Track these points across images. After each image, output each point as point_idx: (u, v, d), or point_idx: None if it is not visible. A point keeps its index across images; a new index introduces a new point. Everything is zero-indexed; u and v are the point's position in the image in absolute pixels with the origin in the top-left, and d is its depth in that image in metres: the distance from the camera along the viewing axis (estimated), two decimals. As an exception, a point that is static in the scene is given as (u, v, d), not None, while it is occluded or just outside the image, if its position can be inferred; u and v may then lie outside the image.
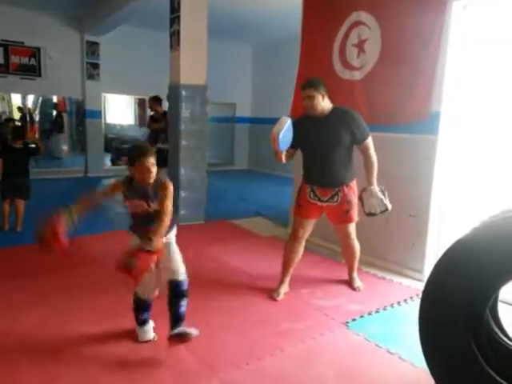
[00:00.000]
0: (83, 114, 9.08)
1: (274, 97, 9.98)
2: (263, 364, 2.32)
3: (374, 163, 3.04)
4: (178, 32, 4.95)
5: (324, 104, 3.01)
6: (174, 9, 5.02)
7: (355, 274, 3.45)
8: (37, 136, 10.27)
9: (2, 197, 4.70)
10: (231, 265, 3.84)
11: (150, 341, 2.48)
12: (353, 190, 3.13)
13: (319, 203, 3.10)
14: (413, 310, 2.95)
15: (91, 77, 8.72)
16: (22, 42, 8.05)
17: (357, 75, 4.11)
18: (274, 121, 9.55)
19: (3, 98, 13.20)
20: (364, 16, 3.99)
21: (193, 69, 5.00)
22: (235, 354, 2.40)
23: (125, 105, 13.13)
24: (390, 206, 3.03)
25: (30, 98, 11.84)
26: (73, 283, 3.27)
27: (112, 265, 2.08)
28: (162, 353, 2.37)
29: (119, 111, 13.06)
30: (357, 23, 4.08)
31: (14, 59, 8.01)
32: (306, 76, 4.67)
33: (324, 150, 3.04)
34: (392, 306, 3.10)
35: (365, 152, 3.05)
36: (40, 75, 8.30)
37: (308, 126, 3.08)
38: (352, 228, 3.25)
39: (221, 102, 10.41)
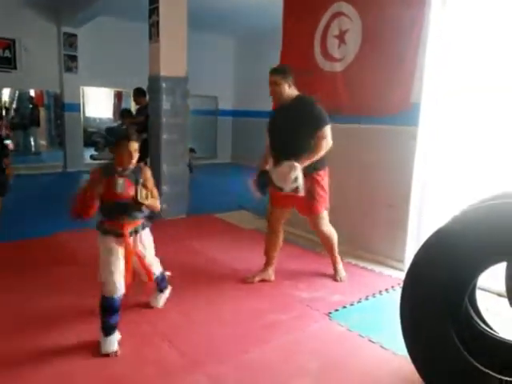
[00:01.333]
0: (61, 108, 8.86)
1: (256, 89, 9.82)
2: (249, 357, 2.32)
3: (318, 152, 2.92)
4: (157, 23, 4.85)
5: (289, 92, 2.99)
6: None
7: (339, 266, 3.42)
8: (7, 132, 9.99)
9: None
10: (214, 258, 3.82)
11: (112, 354, 2.26)
12: (316, 180, 3.04)
13: (282, 192, 2.91)
14: (394, 299, 3.01)
15: (69, 69, 8.49)
16: (-4, 33, 7.78)
17: (338, 67, 4.12)
18: (256, 114, 9.68)
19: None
20: (345, 7, 3.99)
21: (173, 60, 4.92)
22: (220, 348, 2.39)
23: (104, 98, 12.88)
24: (301, 190, 2.84)
25: (6, 92, 11.48)
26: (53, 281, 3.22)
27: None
28: (144, 349, 2.35)
29: (98, 104, 12.81)
30: (337, 14, 4.08)
31: (-12, 51, 7.75)
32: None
33: (284, 137, 3.03)
34: (374, 295, 3.14)
35: (318, 140, 2.93)
36: (15, 68, 8.04)
37: (275, 116, 3.17)
38: (320, 219, 3.17)
39: (203, 95, 10.31)
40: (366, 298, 3.09)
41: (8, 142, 5.02)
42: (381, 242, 3.85)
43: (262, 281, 3.31)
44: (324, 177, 3.10)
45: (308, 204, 3.06)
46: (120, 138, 2.21)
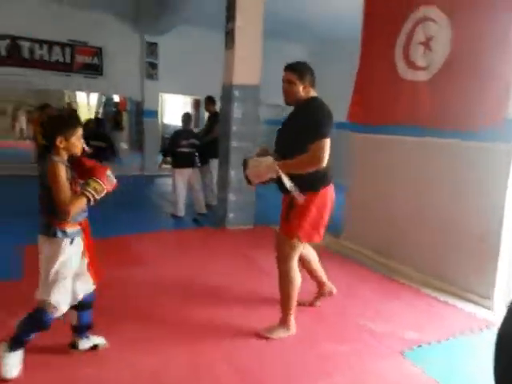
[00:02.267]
0: (141, 114, 9.30)
1: (329, 99, 9.60)
2: (306, 391, 2.11)
3: (300, 163, 2.39)
4: (233, 30, 4.84)
5: (303, 94, 2.52)
6: (230, 6, 4.91)
7: (287, 324, 2.59)
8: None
9: None
10: (274, 274, 3.64)
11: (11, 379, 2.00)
12: (310, 200, 2.45)
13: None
14: (480, 343, 2.64)
15: (150, 76, 8.91)
16: (86, 42, 8.39)
17: (422, 76, 3.76)
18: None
19: (69, 97, 13.99)
20: (432, 12, 3.65)
21: (247, 68, 4.87)
22: (278, 378, 2.20)
23: (182, 105, 13.37)
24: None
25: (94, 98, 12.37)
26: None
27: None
28: (201, 367, 2.24)
29: (176, 111, 13.33)
30: (423, 19, 3.74)
31: (79, 58, 8.38)
32: (365, 77, 4.41)
33: (279, 147, 2.60)
34: (455, 336, 2.75)
35: (310, 151, 2.38)
36: (102, 74, 8.61)
37: (283, 122, 2.71)
38: (284, 246, 2.54)
39: (275, 104, 10.25)
40: (447, 338, 2.70)
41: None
42: (465, 275, 3.40)
43: (324, 297, 3.06)
44: (310, 202, 2.45)
45: (283, 221, 2.59)
46: (72, 125, 2.08)
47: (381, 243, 4.20)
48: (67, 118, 2.13)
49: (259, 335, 2.54)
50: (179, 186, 5.57)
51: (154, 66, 8.91)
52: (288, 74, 2.54)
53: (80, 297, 2.13)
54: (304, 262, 2.93)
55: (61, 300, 2.02)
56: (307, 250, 2.91)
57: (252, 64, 4.92)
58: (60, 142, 2.01)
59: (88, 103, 12.99)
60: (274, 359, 2.37)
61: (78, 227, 2.08)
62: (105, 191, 2.04)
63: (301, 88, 2.51)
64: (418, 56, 3.78)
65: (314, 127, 2.40)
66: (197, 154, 5.75)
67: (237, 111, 4.88)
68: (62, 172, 1.97)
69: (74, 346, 2.27)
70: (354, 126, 4.60)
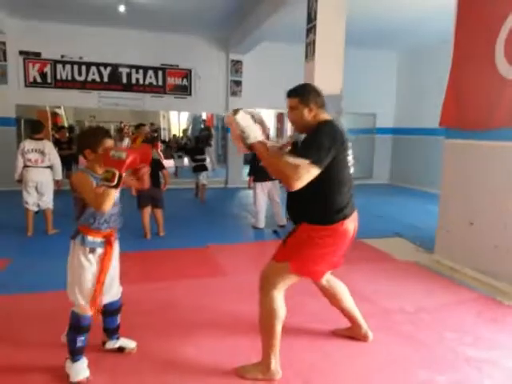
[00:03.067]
0: (226, 129, 9.65)
1: (420, 105, 9.17)
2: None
3: (280, 166, 2.02)
4: (314, 42, 4.80)
5: (311, 120, 2.19)
6: (311, 18, 4.90)
7: (269, 360, 2.20)
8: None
9: (139, 206, 5.07)
10: (356, 290, 3.42)
11: (83, 381, 2.10)
12: (310, 235, 2.13)
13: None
14: None
15: (234, 93, 9.23)
16: (177, 65, 8.98)
17: (528, 73, 3.34)
18: (420, 131, 8.86)
19: (163, 116, 15.08)
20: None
21: (327, 78, 4.78)
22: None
23: (268, 119, 13.63)
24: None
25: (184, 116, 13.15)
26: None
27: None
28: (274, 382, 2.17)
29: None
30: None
31: (170, 80, 8.99)
32: (459, 79, 4.06)
33: None
34: None
35: (293, 162, 2.01)
36: (190, 94, 9.13)
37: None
38: (272, 270, 2.24)
39: (359, 113, 9.96)
40: None
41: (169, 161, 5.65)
42: None
43: (389, 330, 2.75)
44: (317, 235, 2.13)
45: (279, 246, 2.30)
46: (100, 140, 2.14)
47: (482, 260, 3.76)
48: (94, 132, 2.21)
49: (235, 372, 2.24)
50: (260, 198, 5.64)
51: (238, 83, 9.21)
52: (289, 101, 2.27)
53: (102, 304, 2.21)
54: (331, 299, 2.60)
55: (86, 304, 2.11)
56: (334, 284, 2.56)
57: (333, 73, 4.82)
58: (88, 154, 2.11)
59: (179, 121, 13.88)
60: (358, 381, 2.21)
61: (101, 238, 2.14)
62: (116, 173, 1.91)
63: (306, 112, 2.19)
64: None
65: (307, 147, 2.04)
66: None
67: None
68: (85, 179, 2.06)
69: (103, 343, 2.41)
70: (449, 131, 4.24)
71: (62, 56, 8.42)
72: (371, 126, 10.69)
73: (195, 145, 8.74)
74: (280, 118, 12.80)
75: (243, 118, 2.14)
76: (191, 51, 8.95)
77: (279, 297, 2.19)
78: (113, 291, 2.27)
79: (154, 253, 4.44)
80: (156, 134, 11.90)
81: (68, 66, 8.48)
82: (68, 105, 10.83)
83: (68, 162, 7.81)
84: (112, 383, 2.14)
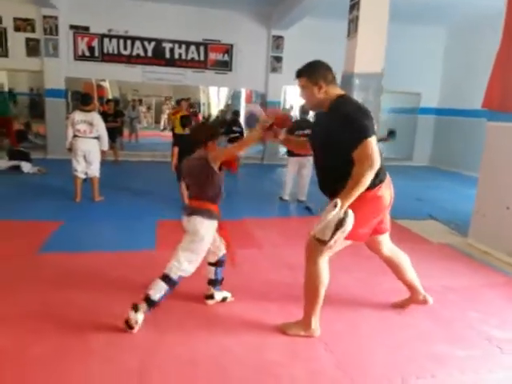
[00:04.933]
0: (265, 105, 9.68)
1: (467, 85, 8.78)
2: (408, 388, 2.04)
3: (356, 182, 2.09)
4: (357, 18, 4.74)
5: (322, 96, 2.25)
6: (355, -6, 4.82)
7: (310, 319, 2.40)
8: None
9: (178, 179, 5.23)
10: (386, 269, 3.51)
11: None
12: (356, 200, 2.15)
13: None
14: None
15: (274, 70, 9.22)
16: (219, 40, 9.05)
17: None
18: (465, 113, 8.58)
19: (203, 91, 15.25)
20: None
21: (369, 56, 4.74)
22: (377, 368, 2.18)
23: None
24: (331, 241, 2.11)
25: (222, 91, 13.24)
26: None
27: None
28: (299, 345, 2.33)
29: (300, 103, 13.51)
30: None
31: (211, 56, 9.09)
32: (507, 58, 3.92)
33: (319, 153, 2.40)
34: None
35: (356, 163, 2.13)
36: (231, 70, 9.21)
37: (314, 124, 2.54)
38: (313, 242, 2.29)
39: (404, 92, 9.70)
40: None
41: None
42: None
43: (415, 307, 2.82)
44: (364, 202, 2.21)
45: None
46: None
47: (516, 245, 3.73)
48: (214, 128, 2.68)
49: (278, 328, 2.47)
50: (290, 172, 5.90)
51: (278, 59, 9.17)
52: (299, 80, 2.33)
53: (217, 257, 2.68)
54: (390, 266, 2.73)
55: (191, 269, 2.45)
56: (392, 252, 2.67)
57: (375, 52, 4.77)
58: (212, 143, 2.50)
59: (218, 96, 14.04)
60: (377, 349, 2.34)
61: (216, 211, 2.54)
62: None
63: (315, 90, 2.25)
64: None
65: (353, 130, 2.13)
66: None
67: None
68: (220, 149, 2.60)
69: (209, 297, 2.75)
70: (492, 113, 4.13)
71: (109, 30, 8.69)
72: (416, 105, 10.37)
73: (233, 116, 8.83)
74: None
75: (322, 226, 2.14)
76: (233, 26, 8.98)
77: (324, 264, 2.36)
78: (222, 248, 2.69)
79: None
80: (194, 109, 12.11)
81: (114, 41, 8.75)
82: (114, 78, 11.19)
83: (113, 134, 8.15)
84: (160, 335, 2.38)
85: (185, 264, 2.42)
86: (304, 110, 5.98)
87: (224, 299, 2.78)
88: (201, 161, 2.46)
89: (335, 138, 2.21)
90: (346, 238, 2.22)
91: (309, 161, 5.85)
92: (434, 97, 10.20)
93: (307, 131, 5.75)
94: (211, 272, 2.72)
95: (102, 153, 5.58)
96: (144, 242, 3.92)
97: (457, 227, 4.72)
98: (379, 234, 2.54)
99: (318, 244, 2.25)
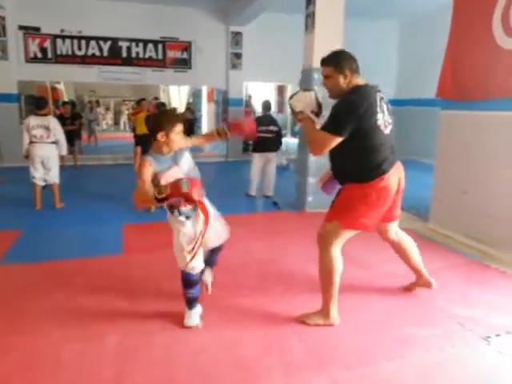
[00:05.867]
0: (227, 103, 9.66)
1: (421, 76, 9.11)
2: (378, 369, 2.12)
3: (310, 135, 2.37)
4: (313, 13, 4.81)
5: (345, 86, 2.32)
6: (310, -11, 4.88)
7: (329, 306, 2.48)
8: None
9: None
10: (352, 257, 3.60)
11: (193, 327, 2.43)
12: (353, 193, 2.35)
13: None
14: None
15: (234, 66, 9.21)
16: (177, 38, 8.94)
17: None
18: (421, 102, 8.87)
19: (164, 91, 15.00)
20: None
21: (327, 50, 4.77)
22: (348, 353, 2.25)
23: (268, 92, 13.54)
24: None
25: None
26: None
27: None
28: (273, 338, 2.37)
29: (261, 99, 13.53)
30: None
31: (170, 54, 8.97)
32: (456, 49, 4.11)
33: None
34: (553, 325, 2.52)
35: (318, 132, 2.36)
36: (190, 67, 9.12)
37: None
38: (325, 231, 2.43)
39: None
40: (541, 327, 2.50)
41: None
42: None
43: (382, 291, 2.98)
44: (357, 192, 2.35)
45: (329, 208, 2.53)
46: (171, 123, 2.31)
47: (473, 227, 3.92)
48: (169, 115, 2.36)
49: (298, 319, 2.53)
50: (255, 168, 5.93)
51: (238, 55, 9.17)
52: (324, 70, 2.39)
53: (210, 247, 2.67)
54: (397, 251, 2.86)
55: (197, 263, 2.42)
56: (400, 238, 2.80)
57: (332, 46, 4.74)
58: (161, 136, 2.27)
59: (179, 95, 13.86)
60: (347, 336, 2.41)
61: (191, 206, 2.35)
62: (164, 195, 2.10)
63: (341, 79, 2.32)
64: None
65: (328, 119, 2.29)
66: (277, 138, 5.93)
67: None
68: (146, 169, 2.26)
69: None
70: (445, 102, 4.32)
71: (62, 30, 8.39)
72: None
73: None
74: (280, 91, 12.75)
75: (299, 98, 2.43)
76: (190, 24, 8.88)
77: (337, 252, 2.43)
78: (215, 238, 2.63)
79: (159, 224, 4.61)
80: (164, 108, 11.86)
81: (68, 41, 8.46)
82: (69, 80, 10.83)
83: (71, 138, 7.89)
84: (133, 338, 2.35)
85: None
86: (266, 107, 6.04)
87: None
88: None
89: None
90: (349, 228, 2.38)
91: (273, 156, 5.93)
92: (391, 88, 10.52)
93: (271, 127, 5.83)
94: (207, 255, 2.76)
95: (61, 158, 5.40)
96: (110, 247, 3.83)
97: (418, 213, 4.91)
98: (388, 221, 2.64)
99: (325, 227, 2.42)
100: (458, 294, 2.95)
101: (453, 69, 4.15)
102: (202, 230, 2.35)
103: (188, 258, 2.34)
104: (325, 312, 2.49)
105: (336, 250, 2.43)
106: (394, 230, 2.76)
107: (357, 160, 2.31)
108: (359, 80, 2.37)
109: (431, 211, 4.52)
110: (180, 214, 2.35)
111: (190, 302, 2.46)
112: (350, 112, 2.20)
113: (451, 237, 4.12)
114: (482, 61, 3.81)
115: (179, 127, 2.30)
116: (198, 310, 2.50)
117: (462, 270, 3.40)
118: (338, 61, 2.33)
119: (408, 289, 2.97)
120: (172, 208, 2.35)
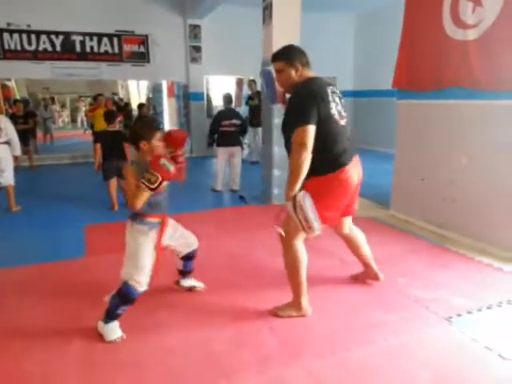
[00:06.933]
0: (187, 97, 9.51)
1: (378, 68, 9.35)
2: (350, 356, 2.16)
3: (292, 167, 2.19)
4: (271, 5, 4.80)
5: (297, 79, 2.36)
6: (267, -19, 4.86)
7: (300, 299, 2.50)
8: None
9: (105, 178, 5.04)
10: (320, 247, 3.66)
11: (117, 340, 2.28)
12: (313, 186, 2.30)
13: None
14: (535, 310, 2.52)
15: (194, 60, 9.06)
16: (133, 31, 8.67)
17: (471, 34, 3.54)
18: (379, 93, 9.06)
19: (122, 86, 14.55)
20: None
21: (285, 43, 4.69)
22: (320, 342, 2.28)
23: (228, 86, 13.42)
24: (315, 226, 2.19)
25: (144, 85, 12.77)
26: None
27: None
28: (245, 333, 2.36)
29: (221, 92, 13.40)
30: (473, -28, 3.49)
31: (126, 48, 8.70)
32: (409, 41, 4.22)
33: (283, 136, 2.47)
34: (509, 302, 2.66)
35: (293, 143, 2.23)
36: (148, 61, 8.89)
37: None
38: (289, 224, 2.35)
39: (320, 76, 10.04)
40: (499, 305, 2.63)
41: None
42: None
43: (346, 279, 3.04)
44: (317, 184, 2.32)
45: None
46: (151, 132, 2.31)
47: (432, 213, 4.08)
48: (148, 125, 2.39)
49: (270, 312, 2.54)
50: (220, 163, 5.89)
51: (197, 49, 9.03)
52: (275, 64, 2.41)
53: (182, 253, 2.65)
54: (350, 245, 2.89)
55: (142, 280, 2.25)
56: (353, 233, 2.84)
57: (290, 38, 4.79)
58: (143, 145, 2.27)
59: (138, 90, 13.50)
60: (317, 326, 2.45)
61: (157, 219, 2.33)
62: (159, 179, 2.11)
63: (292, 72, 2.36)
64: (467, 14, 3.55)
65: (291, 114, 2.27)
66: (241, 131, 5.95)
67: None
68: (132, 177, 2.21)
69: (176, 282, 2.84)
70: (400, 92, 4.44)
71: (8, 24, 7.93)
72: (333, 89, 10.82)
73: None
74: (239, 85, 12.68)
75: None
76: (146, 16, 8.63)
77: (299, 244, 2.44)
78: (191, 241, 2.66)
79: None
80: (123, 104, 11.49)
81: (16, 35, 8.00)
82: (19, 77, 10.26)
83: (25, 137, 7.54)
84: (98, 342, 2.27)
85: None
86: (228, 100, 6.00)
87: (193, 287, 2.85)
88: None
89: (285, 122, 2.33)
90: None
91: (238, 150, 5.91)
92: (349, 80, 10.72)
93: (234, 121, 5.79)
94: (180, 264, 2.77)
95: (15, 158, 5.14)
96: (71, 250, 3.69)
97: (380, 201, 5.04)
98: (346, 215, 2.66)
99: (291, 224, 2.31)
100: (420, 277, 3.06)
101: (407, 60, 4.27)
102: (158, 245, 2.33)
103: (140, 272, 2.24)
104: (296, 304, 2.52)
105: (299, 243, 2.44)
106: (348, 224, 2.78)
107: (316, 152, 2.24)
108: (310, 73, 2.42)
109: (392, 198, 4.66)
110: (144, 223, 2.29)
111: (115, 318, 2.29)
112: (309, 100, 2.22)
113: (412, 222, 4.27)
114: (433, 51, 3.93)
115: (159, 134, 2.32)
116: (116, 322, 2.32)
117: (424, 254, 3.52)
118: (288, 55, 2.37)
119: (355, 278, 3.01)
120: (136, 216, 2.29)
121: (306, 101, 2.23)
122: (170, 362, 2.12)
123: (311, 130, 2.20)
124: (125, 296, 2.25)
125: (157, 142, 2.29)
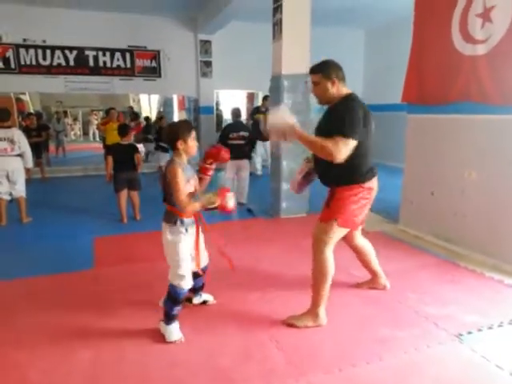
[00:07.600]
0: (198, 111, 9.62)
1: (387, 82, 9.36)
2: (358, 372, 2.13)
3: (320, 145, 2.29)
4: (281, 21, 4.86)
5: (335, 92, 2.45)
6: (277, -3, 4.94)
7: (317, 310, 2.54)
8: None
9: (116, 190, 5.07)
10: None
11: (177, 341, 2.39)
12: (348, 194, 2.45)
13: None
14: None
15: (204, 75, 9.18)
16: (145, 46, 8.84)
17: (480, 49, 3.54)
18: (388, 107, 9.05)
19: (133, 100, 14.80)
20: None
21: (295, 58, 4.87)
22: (327, 358, 2.25)
23: (239, 100, 13.55)
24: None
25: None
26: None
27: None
28: (251, 347, 2.34)
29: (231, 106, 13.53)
30: (481, -12, 3.51)
31: (138, 62, 8.86)
32: (419, 55, 4.24)
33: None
34: (521, 320, 2.61)
35: (332, 140, 2.29)
36: (160, 76, 9.03)
37: (320, 119, 2.62)
38: (321, 231, 2.49)
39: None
40: (510, 323, 2.58)
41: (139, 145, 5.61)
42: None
43: (375, 289, 3.06)
44: (354, 193, 2.47)
45: (324, 209, 2.57)
46: (188, 131, 2.41)
47: (442, 227, 4.04)
48: (184, 124, 2.45)
49: (285, 322, 2.56)
50: (228, 176, 5.91)
51: (208, 64, 9.16)
52: (312, 77, 2.52)
53: (193, 269, 2.56)
54: (360, 255, 2.98)
55: (185, 278, 2.36)
56: (364, 242, 2.94)
57: (300, 53, 4.90)
58: (180, 144, 2.33)
59: (149, 104, 13.73)
60: (325, 340, 2.42)
61: (193, 218, 2.43)
62: (215, 206, 2.33)
63: (329, 85, 2.45)
64: (476, 30, 3.57)
65: (342, 122, 2.30)
66: (249, 143, 6.00)
67: (287, 101, 4.90)
68: (180, 173, 2.29)
69: (189, 300, 2.78)
70: (410, 107, 4.44)
71: (24, 40, 8.15)
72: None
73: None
74: (250, 98, 12.80)
75: (276, 118, 2.40)
76: (159, 32, 8.80)
77: (331, 254, 2.50)
78: (204, 258, 2.65)
79: (131, 236, 4.52)
80: (138, 121, 11.62)
81: (31, 51, 8.21)
82: (33, 90, 10.49)
83: (38, 150, 7.67)
84: (100, 352, 2.27)
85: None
86: (236, 114, 6.04)
87: (204, 302, 2.85)
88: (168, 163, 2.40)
89: (330, 128, 2.34)
90: (345, 226, 2.50)
91: (246, 163, 5.93)
92: (359, 94, 10.63)
93: (242, 133, 5.83)
94: None
95: (27, 171, 5.22)
96: (81, 261, 3.71)
97: (388, 215, 5.01)
98: (360, 225, 2.78)
99: (320, 227, 2.48)
100: (430, 293, 3.01)
101: (416, 74, 4.28)
102: (197, 244, 2.45)
103: (184, 271, 2.35)
104: (314, 313, 2.53)
105: (330, 252, 2.50)
106: (359, 235, 2.90)
107: (354, 163, 2.38)
108: (347, 89, 2.51)
109: (401, 213, 4.63)
110: (183, 224, 2.36)
111: (172, 319, 2.41)
112: (358, 117, 2.32)
113: (421, 237, 4.22)
114: (442, 66, 3.95)
115: (194, 133, 2.40)
116: (177, 324, 2.44)
117: (433, 269, 3.48)
118: (324, 68, 2.47)
119: (360, 286, 3.08)
120: (171, 217, 2.36)
121: (356, 116, 2.32)
122: (174, 375, 2.11)
123: (352, 145, 2.29)
124: (173, 297, 2.36)
125: (192, 142, 2.37)
